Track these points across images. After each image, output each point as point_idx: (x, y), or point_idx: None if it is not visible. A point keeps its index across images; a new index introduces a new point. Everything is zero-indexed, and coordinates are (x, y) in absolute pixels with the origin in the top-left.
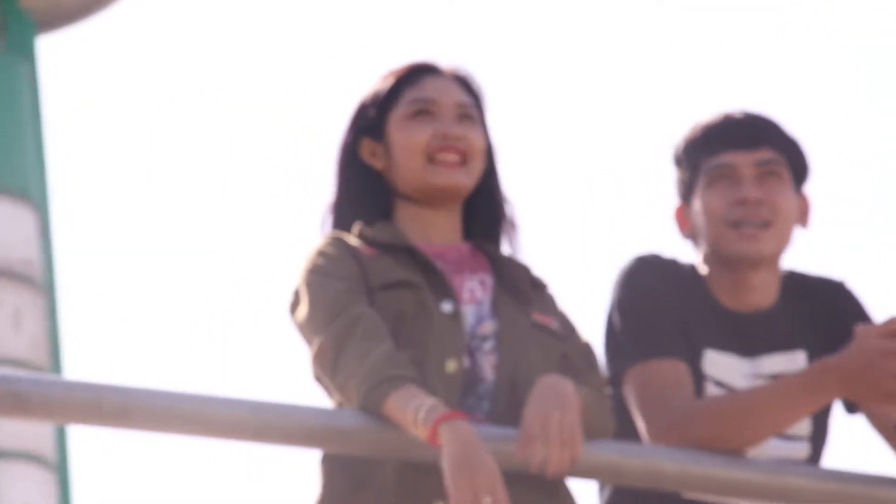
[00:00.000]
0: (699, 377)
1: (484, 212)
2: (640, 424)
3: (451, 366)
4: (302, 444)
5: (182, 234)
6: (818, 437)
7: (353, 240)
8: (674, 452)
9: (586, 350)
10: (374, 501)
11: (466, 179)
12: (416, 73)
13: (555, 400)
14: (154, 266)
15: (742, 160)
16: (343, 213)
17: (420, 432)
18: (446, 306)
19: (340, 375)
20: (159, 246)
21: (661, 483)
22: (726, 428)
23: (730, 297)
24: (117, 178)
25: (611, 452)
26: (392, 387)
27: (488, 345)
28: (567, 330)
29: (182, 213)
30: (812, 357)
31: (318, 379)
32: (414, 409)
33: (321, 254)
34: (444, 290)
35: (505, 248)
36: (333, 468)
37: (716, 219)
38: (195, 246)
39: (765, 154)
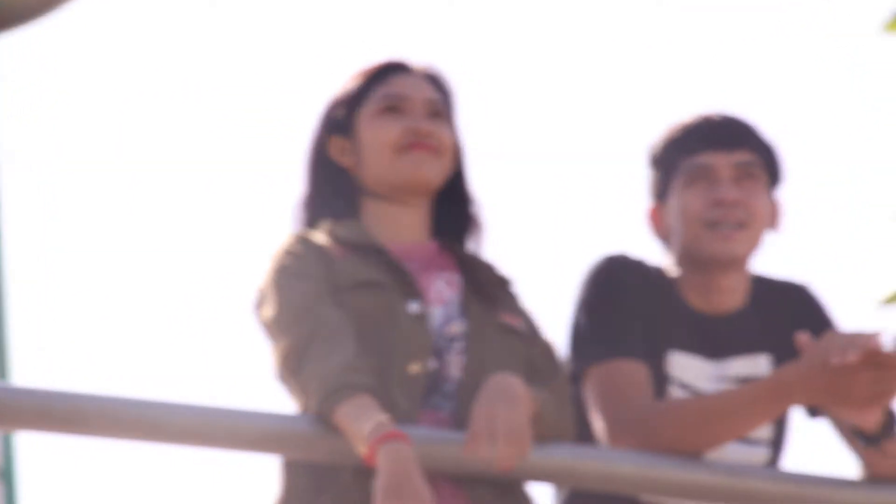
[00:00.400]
0: (664, 379)
1: (451, 211)
2: (599, 424)
3: (413, 368)
4: (257, 449)
5: (138, 236)
6: (778, 442)
7: (320, 237)
8: (631, 455)
9: (549, 352)
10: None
11: (436, 173)
12: (387, 72)
13: (502, 397)
14: (107, 269)
15: (721, 161)
16: (313, 210)
17: (361, 449)
18: (413, 307)
19: (303, 378)
20: (113, 248)
21: (618, 486)
22: (688, 431)
23: (699, 299)
24: (71, 181)
25: (567, 455)
26: (345, 396)
27: (457, 345)
28: (531, 330)
29: (139, 215)
30: (776, 360)
31: (283, 380)
32: (359, 424)
33: (288, 253)
34: (411, 290)
35: (472, 248)
36: (294, 470)
37: (692, 218)
38: (150, 248)
39: (743, 156)
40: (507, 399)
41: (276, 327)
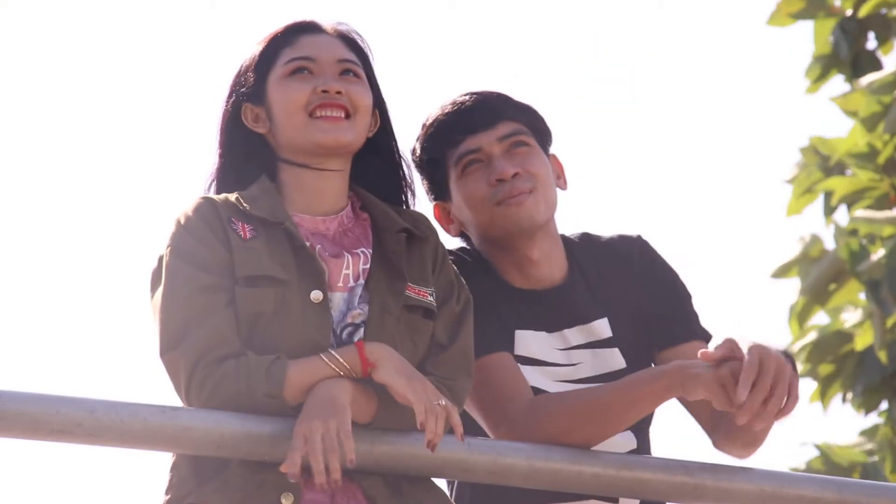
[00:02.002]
0: (516, 359)
1: (378, 170)
2: (483, 422)
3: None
4: (138, 446)
5: (45, 237)
6: (642, 427)
7: (230, 205)
8: (522, 448)
9: (456, 318)
10: (220, 494)
11: (351, 135)
12: (294, 33)
13: (320, 408)
14: None
15: (485, 140)
16: (226, 179)
17: (349, 366)
18: (316, 294)
19: (204, 394)
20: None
21: (511, 479)
22: (574, 424)
23: (518, 277)
24: None
25: (459, 449)
26: (282, 365)
27: (358, 334)
28: (445, 294)
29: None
30: (615, 321)
31: (181, 391)
32: (327, 360)
33: (190, 231)
34: (316, 278)
35: (403, 202)
36: (181, 461)
37: (480, 203)
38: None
39: (505, 128)
40: (326, 410)
41: (167, 328)
